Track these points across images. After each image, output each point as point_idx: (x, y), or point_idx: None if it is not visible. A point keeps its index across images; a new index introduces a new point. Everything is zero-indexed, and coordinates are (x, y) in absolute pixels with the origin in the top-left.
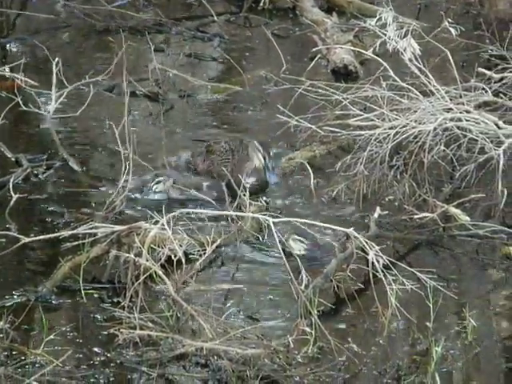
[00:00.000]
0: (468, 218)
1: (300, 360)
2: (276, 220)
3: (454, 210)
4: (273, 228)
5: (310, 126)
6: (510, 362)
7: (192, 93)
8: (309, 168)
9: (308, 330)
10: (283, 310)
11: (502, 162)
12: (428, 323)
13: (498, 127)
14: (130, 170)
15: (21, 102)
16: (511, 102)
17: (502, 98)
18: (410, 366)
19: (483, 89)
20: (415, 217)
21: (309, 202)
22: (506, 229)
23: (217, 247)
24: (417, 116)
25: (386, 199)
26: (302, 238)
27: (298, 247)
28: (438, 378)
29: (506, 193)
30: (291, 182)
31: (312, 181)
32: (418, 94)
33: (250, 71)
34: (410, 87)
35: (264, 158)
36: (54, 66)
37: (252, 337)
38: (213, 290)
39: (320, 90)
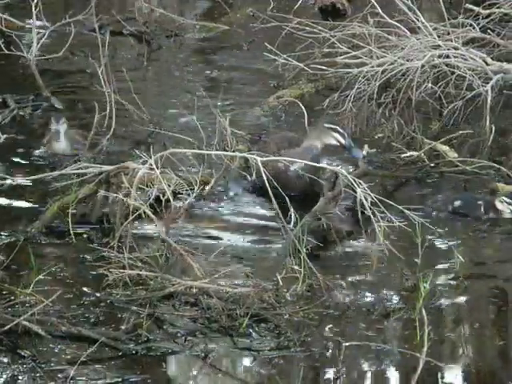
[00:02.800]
0: (456, 155)
1: (289, 298)
2: (264, 159)
3: (442, 147)
4: (261, 167)
5: (297, 64)
6: (497, 298)
7: (179, 32)
8: (302, 106)
9: (297, 268)
10: (272, 249)
11: (489, 99)
12: (416, 259)
13: (486, 63)
14: (113, 111)
15: (3, 46)
16: (499, 37)
17: (489, 34)
18: (398, 302)
19: (471, 25)
20: (403, 155)
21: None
22: (493, 165)
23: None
24: (405, 53)
25: (375, 137)
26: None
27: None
28: (425, 314)
29: (493, 129)
30: (283, 120)
31: (306, 118)
32: (405, 30)
33: (238, 9)
34: (397, 24)
35: (343, 136)
36: (33, 8)
37: (241, 275)
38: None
39: (307, 28)
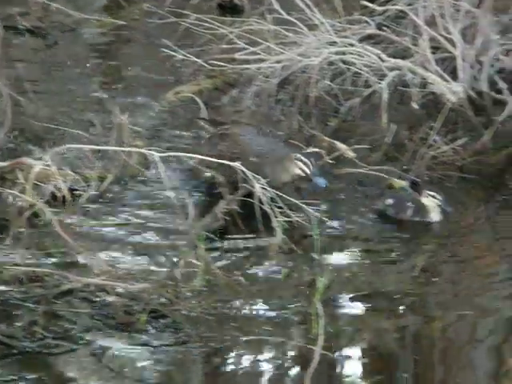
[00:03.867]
0: (354, 154)
1: (188, 294)
2: (162, 154)
3: (340, 146)
4: (159, 163)
5: (196, 59)
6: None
7: (76, 27)
8: (200, 101)
9: (196, 263)
10: (171, 245)
11: (385, 95)
12: (314, 254)
13: (382, 60)
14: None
15: None
16: (394, 34)
17: (384, 30)
18: (295, 296)
19: (366, 22)
20: (302, 151)
21: (199, 135)
22: (394, 170)
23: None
24: (303, 50)
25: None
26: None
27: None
28: (321, 307)
29: (392, 126)
30: (181, 115)
31: (204, 113)
32: (303, 27)
33: (135, 4)
34: (295, 21)
35: (308, 166)
36: None
37: (139, 272)
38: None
39: (206, 24)
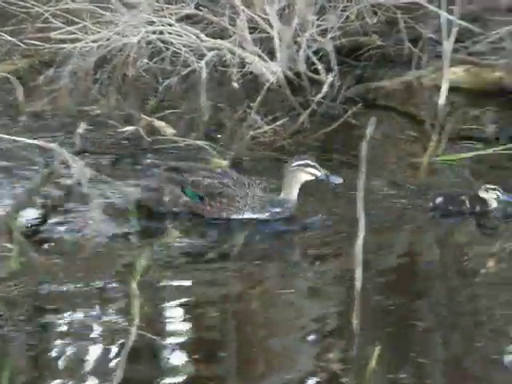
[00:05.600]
0: (173, 131)
1: (3, 275)
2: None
3: (158, 123)
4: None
5: (10, 38)
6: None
7: None
8: (16, 81)
9: (9, 245)
10: None
11: (204, 75)
12: (131, 237)
13: (201, 40)
14: None
15: None
16: (212, 14)
17: (202, 10)
18: (113, 276)
19: (184, 2)
20: (119, 130)
21: (15, 116)
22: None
23: None
24: (120, 29)
25: (93, 113)
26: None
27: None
28: (137, 288)
29: (209, 105)
30: None
31: (21, 94)
32: (120, 6)
33: None
34: (113, 0)
35: (316, 168)
36: None
37: None
38: None
39: (20, 3)
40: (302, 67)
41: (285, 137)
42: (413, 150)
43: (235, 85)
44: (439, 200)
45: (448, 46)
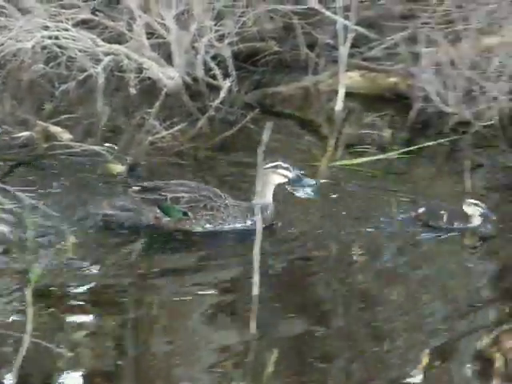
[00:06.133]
0: (70, 136)
1: None
2: None
3: (54, 129)
4: None
5: None
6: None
7: None
8: None
9: None
10: None
11: (101, 80)
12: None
13: (97, 45)
14: None
15: None
16: (109, 20)
17: (98, 15)
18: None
19: (80, 6)
20: (14, 136)
21: None
22: (107, 147)
23: None
24: (14, 34)
25: None
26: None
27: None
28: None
29: (106, 110)
30: None
31: None
32: (15, 11)
33: None
34: (5, 4)
35: (288, 170)
36: None
37: None
38: None
39: None
40: (199, 72)
41: (183, 142)
42: (310, 156)
43: (132, 90)
44: (421, 210)
45: (344, 51)
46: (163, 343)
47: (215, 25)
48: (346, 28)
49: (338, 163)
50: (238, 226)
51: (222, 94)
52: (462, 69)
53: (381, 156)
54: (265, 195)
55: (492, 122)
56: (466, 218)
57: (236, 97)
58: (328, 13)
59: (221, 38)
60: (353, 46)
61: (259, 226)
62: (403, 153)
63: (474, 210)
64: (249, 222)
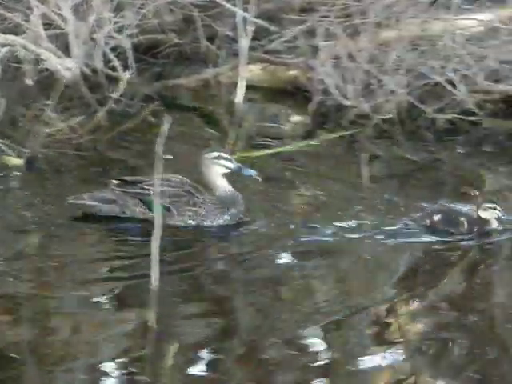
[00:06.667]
0: None
1: None
2: None
3: None
4: None
5: None
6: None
7: None
8: None
9: None
10: None
11: None
12: None
13: None
14: None
15: None
16: (5, 10)
17: None
18: None
19: None
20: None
21: None
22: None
23: None
24: None
25: None
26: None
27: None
28: None
29: (2, 101)
30: None
31: None
32: None
33: None
34: None
35: (229, 160)
36: None
37: None
38: None
39: None
40: (99, 64)
41: (82, 134)
42: (211, 148)
43: (29, 81)
44: (437, 218)
45: (244, 43)
46: (63, 330)
47: (115, 16)
48: (245, 20)
49: (238, 155)
50: (220, 221)
51: (121, 85)
52: (360, 62)
53: (280, 149)
54: (221, 186)
55: (390, 115)
56: (484, 222)
57: (136, 89)
58: (228, 5)
59: (120, 30)
60: (254, 38)
61: (158, 220)
62: (305, 145)
63: (490, 214)
64: (227, 218)
